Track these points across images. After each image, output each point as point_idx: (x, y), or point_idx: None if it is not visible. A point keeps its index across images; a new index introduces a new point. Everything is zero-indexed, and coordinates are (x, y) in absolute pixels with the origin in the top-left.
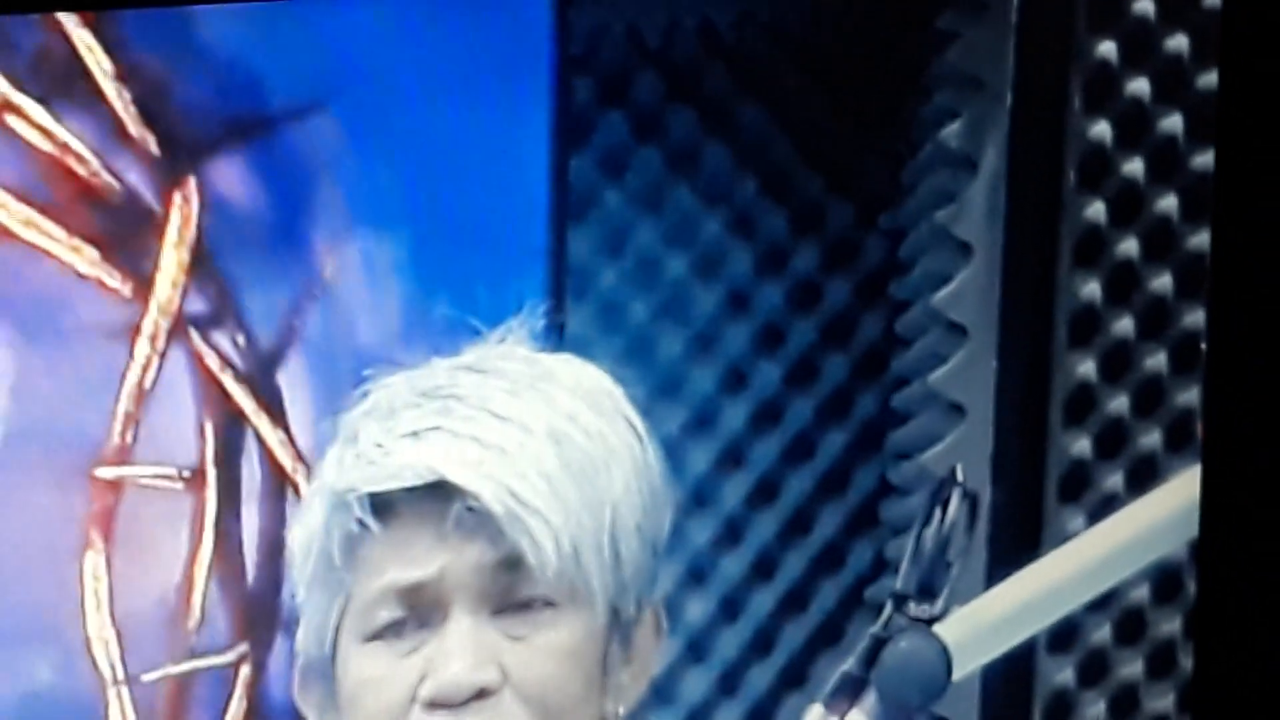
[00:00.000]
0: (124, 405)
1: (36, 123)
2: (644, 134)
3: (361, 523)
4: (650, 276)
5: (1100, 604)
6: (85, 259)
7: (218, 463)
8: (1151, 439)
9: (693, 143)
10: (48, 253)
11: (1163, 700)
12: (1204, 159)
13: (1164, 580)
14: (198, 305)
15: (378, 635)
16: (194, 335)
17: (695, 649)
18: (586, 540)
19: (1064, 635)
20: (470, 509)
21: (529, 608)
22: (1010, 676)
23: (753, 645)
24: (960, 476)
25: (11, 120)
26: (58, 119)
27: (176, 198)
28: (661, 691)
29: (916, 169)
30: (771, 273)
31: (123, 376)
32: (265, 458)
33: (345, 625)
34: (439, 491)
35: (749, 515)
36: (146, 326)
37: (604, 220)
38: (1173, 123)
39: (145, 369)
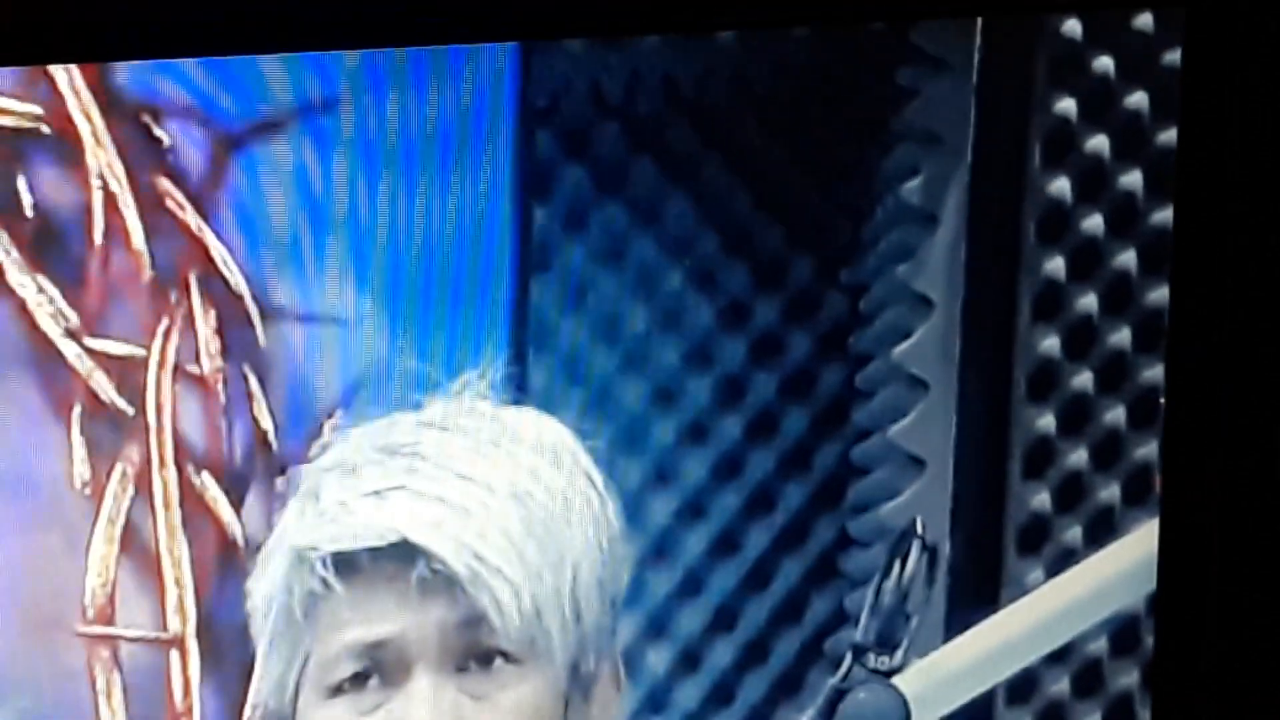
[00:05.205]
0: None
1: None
2: (605, 187)
3: (324, 581)
4: (612, 329)
5: (1058, 656)
6: None
7: None
8: (1110, 492)
9: (654, 196)
10: None
11: None
12: (1163, 215)
13: (1122, 633)
14: None
15: (340, 691)
16: None
17: (655, 700)
18: (548, 599)
19: (1022, 687)
20: (434, 570)
21: (490, 666)
22: None
23: (713, 697)
24: (920, 529)
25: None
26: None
27: None
28: None
29: (877, 224)
30: (732, 326)
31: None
32: None
33: (306, 680)
34: (402, 552)
35: (710, 567)
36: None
37: (566, 273)
38: (1132, 179)
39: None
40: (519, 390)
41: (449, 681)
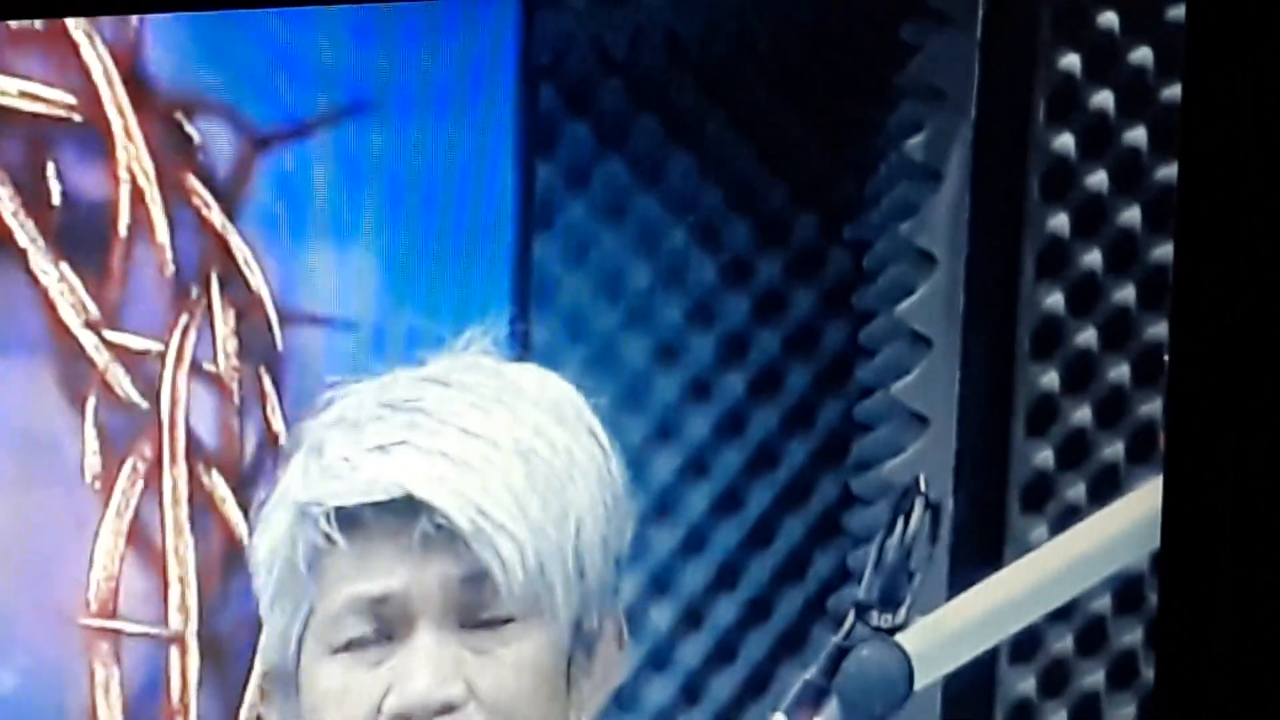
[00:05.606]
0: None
1: None
2: (609, 143)
3: (327, 536)
4: (614, 286)
5: (1062, 614)
6: None
7: None
8: (1113, 450)
9: (657, 152)
10: None
11: (1124, 710)
12: (1167, 171)
13: (1125, 590)
14: None
15: (343, 647)
16: None
17: (658, 658)
18: (552, 555)
19: (1026, 645)
20: (437, 525)
21: (494, 622)
22: (972, 686)
23: (715, 654)
24: (923, 486)
25: None
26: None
27: None
28: (624, 700)
29: (880, 181)
30: (735, 283)
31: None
32: None
33: (309, 636)
34: (405, 506)
35: (712, 524)
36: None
37: (568, 229)
38: (1136, 135)
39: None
40: (522, 346)
41: (452, 637)
